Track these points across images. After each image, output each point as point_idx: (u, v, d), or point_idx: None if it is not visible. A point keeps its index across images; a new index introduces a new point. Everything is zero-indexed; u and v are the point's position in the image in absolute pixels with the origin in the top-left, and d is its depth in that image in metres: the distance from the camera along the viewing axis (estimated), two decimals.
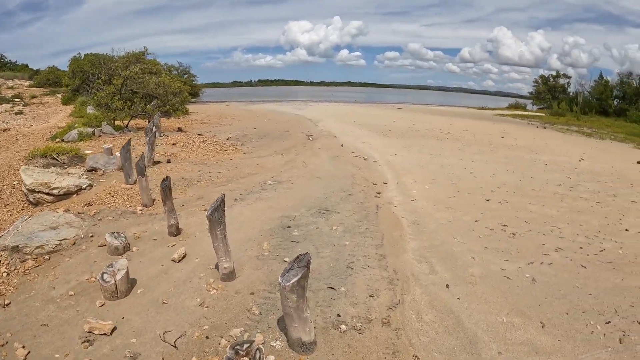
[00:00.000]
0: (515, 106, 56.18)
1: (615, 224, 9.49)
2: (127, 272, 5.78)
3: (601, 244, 8.23)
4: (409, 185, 11.98)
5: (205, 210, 8.83)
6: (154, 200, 9.37)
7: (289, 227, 8.31)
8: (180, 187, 10.81)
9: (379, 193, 11.02)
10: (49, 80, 48.77)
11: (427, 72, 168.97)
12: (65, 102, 32.80)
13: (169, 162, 13.56)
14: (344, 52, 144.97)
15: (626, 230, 9.12)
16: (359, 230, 8.30)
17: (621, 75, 49.18)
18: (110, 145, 13.17)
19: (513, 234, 8.54)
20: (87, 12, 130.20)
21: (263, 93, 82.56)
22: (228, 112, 32.31)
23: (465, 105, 57.44)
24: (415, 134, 22.88)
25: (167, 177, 7.64)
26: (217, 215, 5.66)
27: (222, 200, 5.76)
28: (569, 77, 59.63)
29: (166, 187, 7.46)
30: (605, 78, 50.59)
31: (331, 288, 6.01)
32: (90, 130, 18.02)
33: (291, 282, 4.01)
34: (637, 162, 17.64)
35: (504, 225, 9.02)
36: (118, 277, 5.63)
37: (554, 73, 61.08)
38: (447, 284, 6.32)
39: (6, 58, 65.18)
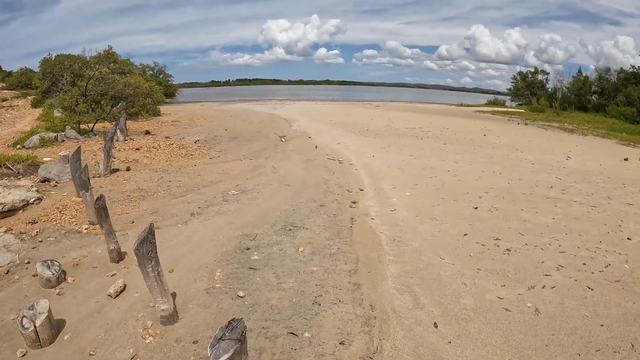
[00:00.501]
0: (494, 102, 55.67)
1: (615, 232, 8.49)
2: (49, 316, 4.63)
3: (605, 258, 7.21)
4: (389, 191, 10.82)
5: (157, 227, 7.66)
6: None
7: (248, 249, 7.07)
8: (134, 199, 9.59)
9: (354, 202, 9.83)
10: (21, 82, 46.94)
11: (405, 69, 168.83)
12: (35, 105, 31.49)
13: (129, 170, 12.34)
14: (322, 51, 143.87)
15: (628, 239, 8.14)
16: (330, 252, 7.10)
17: (599, 71, 49.10)
18: (67, 152, 11.86)
19: (508, 250, 7.42)
20: (63, 11, 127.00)
21: (241, 92, 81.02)
22: (201, 113, 30.94)
23: (444, 102, 56.77)
24: (394, 133, 21.74)
25: (100, 195, 6.42)
26: (145, 248, 4.46)
27: (151, 230, 4.55)
28: (547, 74, 59.55)
29: (100, 207, 6.22)
30: (584, 74, 50.42)
31: (292, 334, 4.82)
32: (52, 135, 16.74)
33: (221, 359, 2.82)
34: (625, 159, 16.81)
35: (497, 238, 7.92)
36: (38, 322, 4.50)
37: (532, 69, 61.00)
38: (435, 322, 5.18)
39: None
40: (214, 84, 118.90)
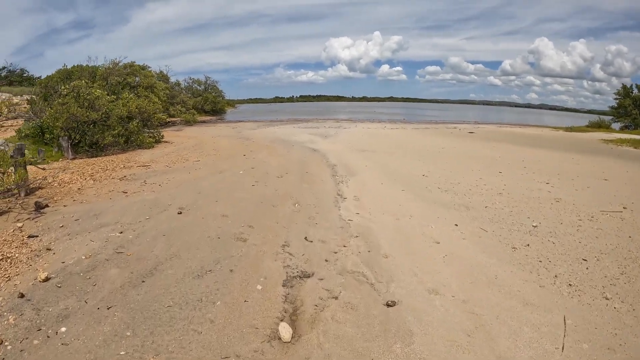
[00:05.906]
0: (599, 124, 38.42)
1: None
2: None
3: None
4: None
5: None
6: None
7: None
8: None
9: None
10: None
11: (469, 85, 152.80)
12: None
13: None
14: (385, 67, 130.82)
15: None
16: None
17: None
18: None
19: None
20: (133, 30, 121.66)
21: (300, 109, 68.33)
22: (212, 144, 17.73)
23: (544, 125, 40.83)
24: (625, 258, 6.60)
25: None
26: None
27: None
28: None
29: None
30: None
31: None
32: None
33: None
34: None
35: None
36: None
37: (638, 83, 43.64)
38: None
39: (28, 72, 52.35)
40: (278, 100, 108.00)
